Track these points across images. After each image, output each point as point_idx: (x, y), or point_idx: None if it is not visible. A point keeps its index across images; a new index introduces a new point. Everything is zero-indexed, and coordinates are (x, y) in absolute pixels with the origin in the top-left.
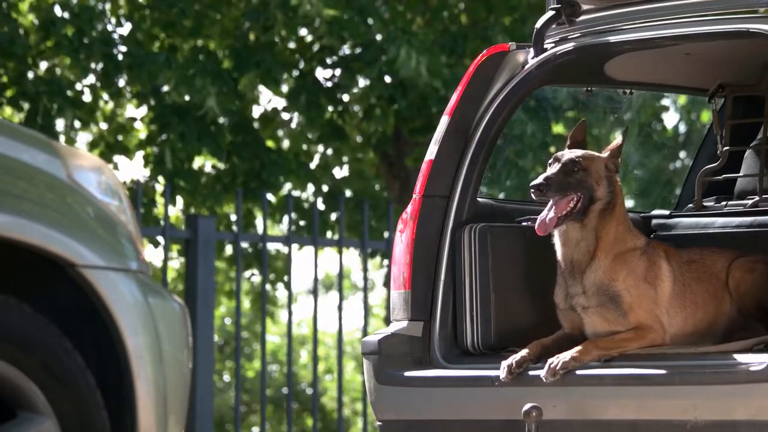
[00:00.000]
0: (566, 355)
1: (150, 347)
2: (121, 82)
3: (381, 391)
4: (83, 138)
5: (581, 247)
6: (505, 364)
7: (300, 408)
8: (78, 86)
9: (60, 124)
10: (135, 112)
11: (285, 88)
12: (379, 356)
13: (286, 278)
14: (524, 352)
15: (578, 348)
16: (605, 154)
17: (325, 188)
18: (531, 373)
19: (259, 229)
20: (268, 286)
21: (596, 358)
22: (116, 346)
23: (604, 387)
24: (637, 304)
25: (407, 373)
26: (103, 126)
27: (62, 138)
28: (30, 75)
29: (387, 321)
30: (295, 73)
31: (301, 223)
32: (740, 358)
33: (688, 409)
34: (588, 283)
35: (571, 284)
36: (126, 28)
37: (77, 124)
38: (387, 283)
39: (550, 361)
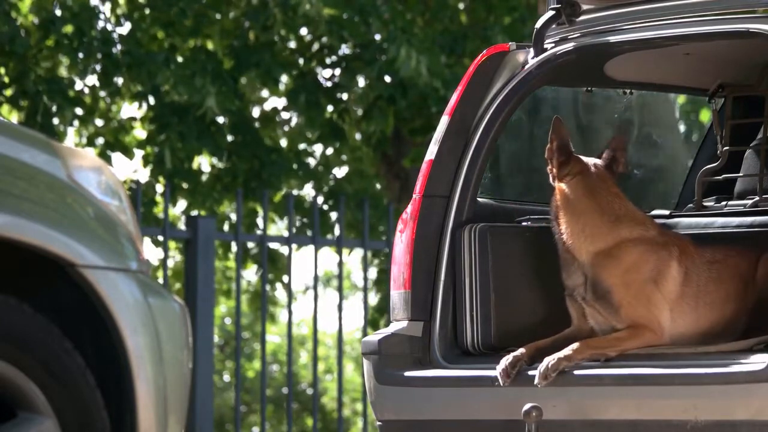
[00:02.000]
0: (555, 357)
1: (150, 347)
2: (119, 81)
3: (381, 391)
4: (72, 133)
5: (559, 242)
6: (499, 368)
7: (300, 408)
8: (78, 85)
9: (57, 122)
10: (133, 111)
11: (283, 87)
12: (379, 356)
13: (284, 278)
14: (517, 352)
15: (571, 347)
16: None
17: (325, 188)
18: (530, 373)
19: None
20: (266, 286)
21: (589, 357)
22: (116, 346)
23: (604, 387)
24: (630, 302)
25: (407, 373)
26: (99, 123)
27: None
28: (30, 74)
29: (374, 323)
30: (295, 72)
31: (300, 220)
32: (740, 358)
33: (688, 409)
34: (586, 276)
35: (567, 277)
36: (125, 28)
37: (75, 122)
38: (378, 284)
39: (541, 365)
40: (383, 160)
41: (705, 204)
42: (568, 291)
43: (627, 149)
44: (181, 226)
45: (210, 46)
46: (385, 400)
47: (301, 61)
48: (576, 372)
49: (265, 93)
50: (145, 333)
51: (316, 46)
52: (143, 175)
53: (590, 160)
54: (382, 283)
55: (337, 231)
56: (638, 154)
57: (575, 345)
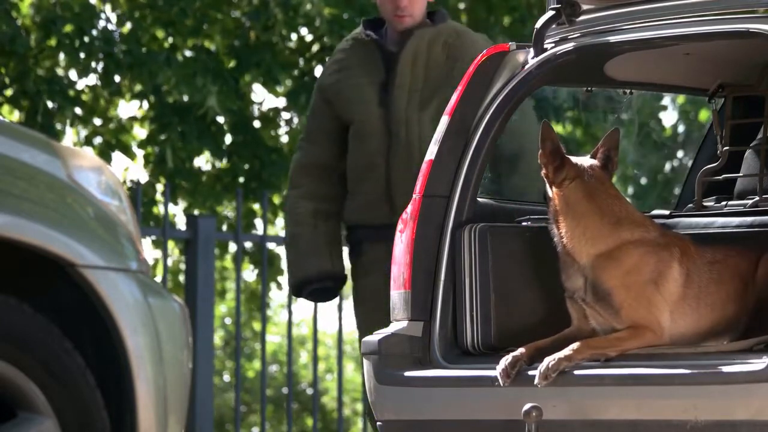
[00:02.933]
0: (555, 357)
1: (150, 347)
2: (119, 80)
3: (381, 391)
4: (72, 132)
5: (559, 245)
6: (499, 368)
7: (300, 408)
8: (79, 85)
9: (57, 122)
10: (133, 110)
11: (282, 89)
12: (379, 356)
13: (280, 279)
14: (517, 352)
15: (570, 347)
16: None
17: None
18: (530, 372)
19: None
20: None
21: (589, 357)
22: (116, 346)
23: (604, 387)
24: (630, 304)
25: (407, 373)
26: (98, 122)
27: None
28: (31, 74)
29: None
30: (295, 72)
31: None
32: (740, 358)
33: (688, 409)
34: (586, 278)
35: (566, 279)
36: (126, 27)
37: (75, 122)
38: None
39: (541, 365)
40: None
41: (705, 204)
42: (568, 293)
43: (619, 146)
44: (181, 226)
45: (208, 45)
46: (385, 400)
47: (301, 61)
48: (576, 372)
49: (261, 95)
50: (145, 333)
51: (316, 46)
52: (142, 174)
53: (585, 161)
54: None
55: None
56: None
57: (575, 345)
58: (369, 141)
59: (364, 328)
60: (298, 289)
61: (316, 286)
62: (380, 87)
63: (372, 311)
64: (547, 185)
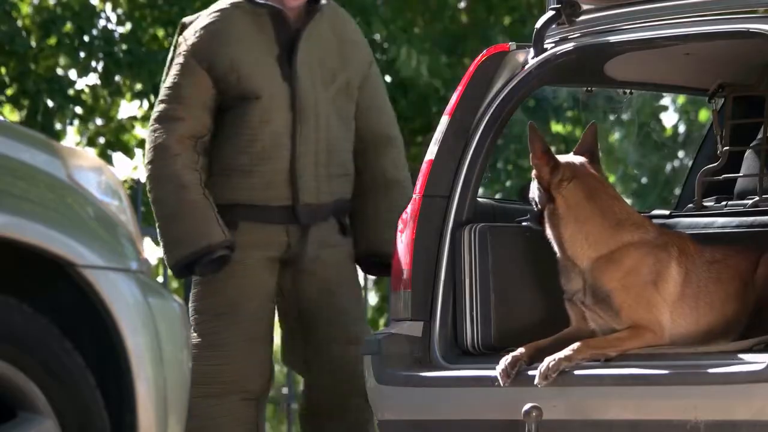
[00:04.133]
0: (555, 357)
1: (150, 347)
2: (119, 80)
3: (381, 391)
4: (73, 132)
5: (558, 249)
6: (498, 368)
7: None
8: (79, 85)
9: (58, 122)
10: (133, 110)
11: None
12: (379, 356)
13: None
14: (516, 352)
15: (571, 347)
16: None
17: None
18: (530, 372)
19: None
20: None
21: (589, 357)
22: (116, 346)
23: (604, 387)
24: (630, 305)
25: (407, 373)
26: (99, 122)
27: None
28: (31, 74)
29: (374, 323)
30: None
31: None
32: (740, 358)
33: (688, 409)
34: (585, 280)
35: (566, 282)
36: (126, 27)
37: (75, 122)
38: (378, 284)
39: (541, 365)
40: None
41: (705, 204)
42: (567, 295)
43: (598, 140)
44: None
45: None
46: (385, 400)
47: None
48: (576, 372)
49: None
50: (145, 333)
51: None
52: (143, 174)
53: (576, 159)
54: (382, 283)
55: None
56: None
57: (575, 345)
58: (275, 119)
59: (218, 306)
60: (190, 263)
61: (216, 255)
62: (280, 62)
63: (235, 287)
64: (543, 188)
